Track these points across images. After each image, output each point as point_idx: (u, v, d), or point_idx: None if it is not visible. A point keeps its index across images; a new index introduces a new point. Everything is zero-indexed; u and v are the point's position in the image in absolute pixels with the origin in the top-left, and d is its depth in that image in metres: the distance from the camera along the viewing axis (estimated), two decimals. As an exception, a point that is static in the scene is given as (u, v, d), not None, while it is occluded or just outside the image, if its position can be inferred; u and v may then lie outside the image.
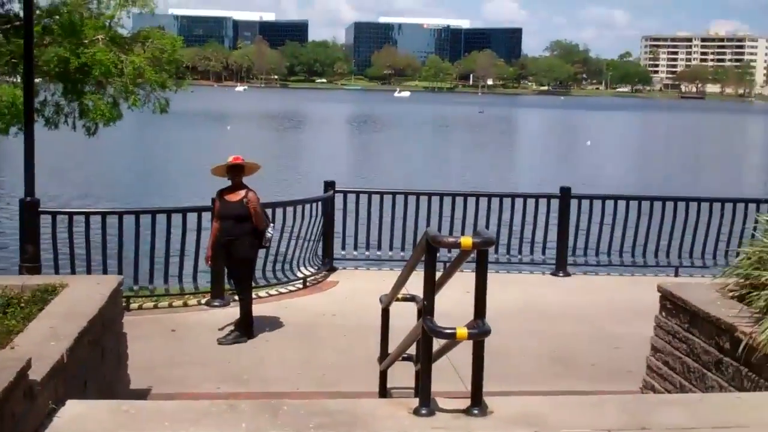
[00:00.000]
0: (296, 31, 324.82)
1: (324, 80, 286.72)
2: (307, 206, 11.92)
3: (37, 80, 13.68)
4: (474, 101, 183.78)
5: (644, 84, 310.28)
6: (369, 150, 58.80)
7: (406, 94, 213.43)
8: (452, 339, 4.75)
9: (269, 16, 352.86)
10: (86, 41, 14.39)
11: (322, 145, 61.83)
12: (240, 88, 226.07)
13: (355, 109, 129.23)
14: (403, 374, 6.85)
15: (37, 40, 12.64)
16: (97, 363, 5.85)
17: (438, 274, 5.10)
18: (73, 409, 4.66)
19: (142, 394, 7.09)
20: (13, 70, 14.75)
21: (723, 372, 6.02)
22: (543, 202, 13.21)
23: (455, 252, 5.64)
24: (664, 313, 7.08)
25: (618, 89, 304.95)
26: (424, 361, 4.88)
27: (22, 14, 13.27)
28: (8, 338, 5.06)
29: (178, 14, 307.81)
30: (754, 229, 7.44)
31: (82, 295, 6.06)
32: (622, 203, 13.19)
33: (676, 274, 12.95)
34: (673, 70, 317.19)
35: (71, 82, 14.76)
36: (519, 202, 13.17)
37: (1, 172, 36.99)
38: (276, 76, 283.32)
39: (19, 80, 14.46)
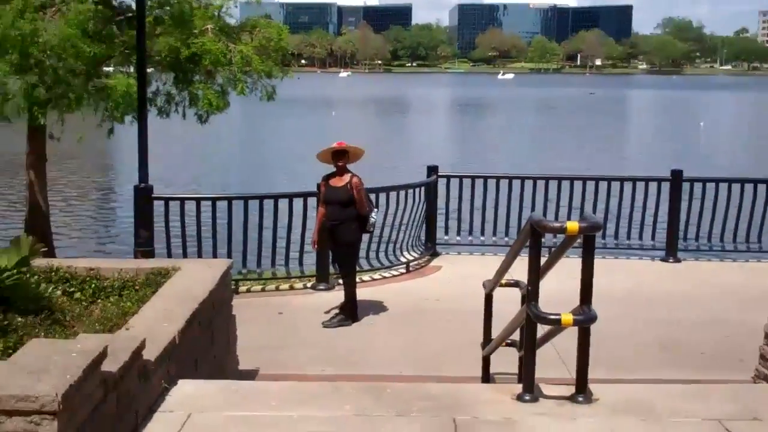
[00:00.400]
0: (400, 15, 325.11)
1: (426, 64, 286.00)
2: (411, 191, 11.97)
3: (149, 70, 14.12)
4: (581, 82, 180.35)
5: (762, 61, 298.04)
6: (473, 134, 58.41)
7: (510, 76, 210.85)
8: (557, 325, 4.73)
9: (373, 1, 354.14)
10: (196, 31, 14.73)
11: (425, 129, 61.77)
12: (343, 74, 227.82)
13: (457, 92, 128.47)
14: (506, 360, 6.83)
15: (148, 31, 13.03)
16: (208, 344, 6.05)
17: (543, 260, 5.07)
18: (184, 388, 4.84)
19: (250, 375, 7.28)
20: (126, 60, 15.24)
21: (843, 362, 5.79)
22: (653, 185, 12.90)
23: (561, 237, 5.59)
24: (779, 301, 6.84)
25: (734, 67, 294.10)
26: (528, 347, 4.87)
27: (134, 6, 13.73)
28: (124, 319, 5.28)
29: (284, 2, 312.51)
30: None
31: (193, 278, 6.25)
32: (736, 186, 12.77)
33: (793, 260, 12.47)
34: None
35: (182, 71, 15.15)
36: (628, 185, 12.88)
37: (116, 159, 38.41)
38: (380, 61, 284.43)
39: (132, 70, 14.95)
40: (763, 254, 12.83)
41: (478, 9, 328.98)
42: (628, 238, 13.07)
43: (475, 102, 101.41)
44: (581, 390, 4.64)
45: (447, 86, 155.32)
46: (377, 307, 9.93)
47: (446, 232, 13.11)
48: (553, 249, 6.46)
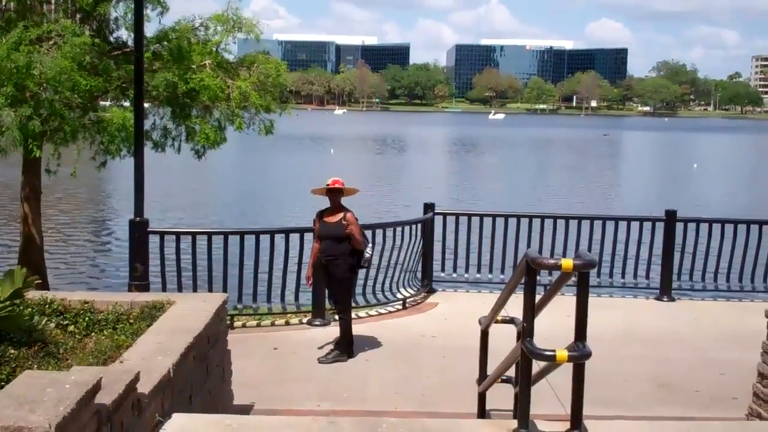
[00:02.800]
0: (398, 54, 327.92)
1: (424, 103, 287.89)
2: (407, 228, 11.99)
3: (146, 105, 14.19)
4: (576, 123, 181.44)
5: (755, 105, 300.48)
6: (467, 173, 58.62)
7: (501, 116, 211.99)
8: (552, 361, 4.70)
9: (371, 40, 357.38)
10: (194, 66, 14.81)
11: (420, 167, 62.02)
12: (338, 111, 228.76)
13: (451, 132, 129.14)
14: (502, 396, 6.80)
15: (146, 66, 13.10)
16: (203, 378, 6.01)
17: (538, 297, 5.06)
18: (178, 421, 4.79)
19: (245, 410, 7.23)
20: (122, 94, 15.29)
21: (838, 402, 5.76)
22: (648, 225, 12.95)
23: (556, 275, 5.59)
24: (773, 340, 6.82)
25: (727, 110, 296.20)
26: (523, 382, 4.85)
27: (130, 42, 13.81)
28: (118, 353, 5.25)
29: (282, 39, 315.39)
30: None
31: (188, 312, 6.23)
32: (729, 227, 12.82)
33: (787, 301, 12.47)
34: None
35: (179, 106, 15.20)
36: (623, 225, 12.92)
37: (112, 193, 38.44)
38: (377, 100, 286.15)
39: (128, 104, 15.00)
40: (755, 294, 12.85)
41: (475, 50, 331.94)
42: (623, 276, 13.06)
43: (469, 141, 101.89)
44: (576, 426, 4.61)
45: (440, 125, 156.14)
46: (373, 343, 9.89)
47: (443, 269, 13.11)
48: (548, 287, 6.46)
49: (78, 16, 15.42)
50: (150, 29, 15.18)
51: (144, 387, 4.51)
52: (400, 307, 11.81)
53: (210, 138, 15.04)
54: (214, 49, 15.65)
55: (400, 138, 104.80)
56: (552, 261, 4.75)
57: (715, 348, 10.00)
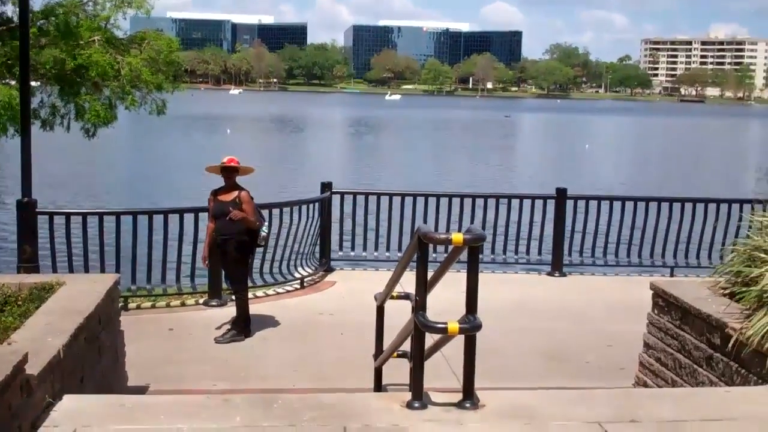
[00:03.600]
0: (295, 34, 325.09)
1: (322, 84, 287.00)
2: (305, 207, 11.99)
3: (33, 83, 13.73)
4: (471, 104, 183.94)
5: (644, 87, 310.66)
6: (364, 153, 58.85)
7: (397, 97, 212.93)
8: (444, 333, 4.81)
9: (268, 20, 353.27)
10: (82, 42, 14.42)
11: (317, 147, 61.96)
12: (234, 91, 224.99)
13: (348, 112, 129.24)
14: (399, 372, 6.90)
15: (33, 42, 12.68)
16: (94, 360, 5.91)
17: (431, 274, 5.16)
18: (69, 403, 4.72)
19: (140, 391, 7.14)
20: (8, 72, 14.77)
21: (714, 368, 6.09)
22: (539, 203, 13.29)
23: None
24: (656, 311, 7.15)
25: (617, 92, 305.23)
26: (416, 355, 4.95)
27: (16, 17, 13.33)
28: (5, 335, 5.12)
29: (177, 17, 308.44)
30: (748, 228, 7.51)
31: (78, 293, 6.11)
32: (617, 204, 13.29)
33: (671, 275, 13.02)
34: (673, 73, 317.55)
35: (67, 83, 14.80)
36: (515, 202, 13.23)
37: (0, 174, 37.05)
38: (275, 80, 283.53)
39: (14, 83, 14.49)
40: (642, 268, 13.36)
41: (372, 31, 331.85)
42: (516, 253, 13.39)
43: (366, 122, 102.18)
44: (468, 396, 4.74)
45: (338, 106, 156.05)
46: (271, 322, 9.88)
47: (341, 248, 13.17)
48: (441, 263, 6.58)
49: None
50: (36, 4, 14.69)
51: (33, 368, 4.42)
52: (298, 287, 11.82)
53: (100, 115, 14.69)
54: (103, 24, 15.28)
55: (297, 118, 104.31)
56: (443, 236, 4.86)
57: (604, 320, 10.37)
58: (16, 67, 13.12)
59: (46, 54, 13.86)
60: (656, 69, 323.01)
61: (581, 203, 13.25)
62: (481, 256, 5.18)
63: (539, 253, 13.43)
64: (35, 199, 10.08)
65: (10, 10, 15.01)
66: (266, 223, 9.64)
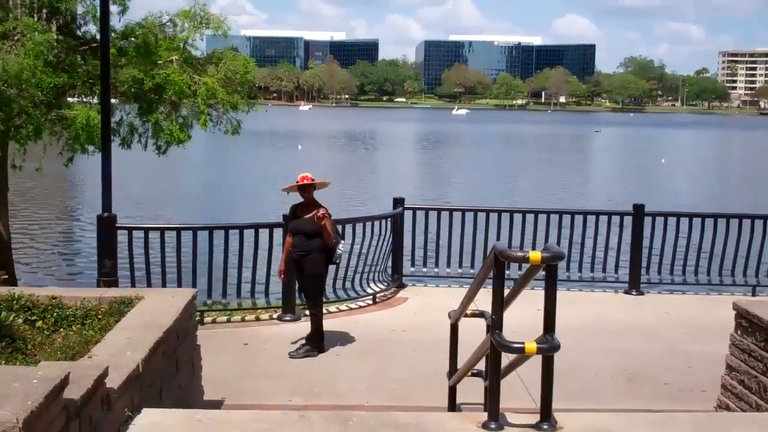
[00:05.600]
0: (367, 50, 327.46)
1: (393, 99, 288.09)
2: (377, 223, 12.01)
3: (112, 101, 14.04)
4: (541, 119, 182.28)
5: (721, 100, 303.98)
6: (438, 168, 58.77)
7: (463, 112, 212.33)
8: (521, 353, 4.74)
9: (340, 36, 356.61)
10: (160, 62, 14.70)
11: (388, 162, 62.12)
12: (304, 107, 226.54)
13: (413, 128, 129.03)
14: (473, 390, 6.84)
15: (112, 61, 12.97)
16: (172, 373, 5.99)
17: (507, 291, 5.09)
18: (148, 417, 4.77)
19: (216, 405, 7.22)
20: (89, 90, 15.14)
21: (802, 392, 5.87)
22: (616, 219, 13.06)
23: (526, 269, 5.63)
24: (739, 332, 6.94)
25: (694, 106, 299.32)
26: (493, 375, 4.88)
27: (98, 36, 13.68)
28: (86, 348, 5.23)
29: (250, 35, 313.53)
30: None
31: (157, 307, 6.21)
32: (697, 221, 12.99)
33: (754, 294, 12.68)
34: (752, 86, 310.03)
35: (146, 102, 15.08)
36: (591, 219, 13.03)
37: (81, 188, 38.08)
38: (347, 96, 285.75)
39: (95, 101, 14.84)
40: (723, 287, 13.03)
41: (443, 46, 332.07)
42: (592, 271, 13.17)
43: (435, 137, 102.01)
44: (546, 418, 4.65)
45: (405, 121, 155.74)
46: (344, 338, 9.90)
47: (413, 264, 13.14)
48: (517, 281, 6.50)
49: (44, 11, 15.25)
50: (117, 25, 15.05)
51: (113, 382, 4.49)
52: (371, 302, 11.83)
53: (175, 135, 14.93)
54: (180, 45, 15.54)
55: (364, 134, 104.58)
56: (520, 254, 4.78)
57: (684, 340, 10.12)
58: (97, 86, 13.47)
59: (125, 73, 14.15)
60: (734, 82, 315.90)
61: (659, 219, 12.98)
62: (557, 273, 5.08)
63: (616, 271, 13.17)
64: (115, 214, 10.31)
65: (93, 30, 15.39)
66: (343, 241, 9.70)
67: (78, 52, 14.83)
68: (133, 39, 14.81)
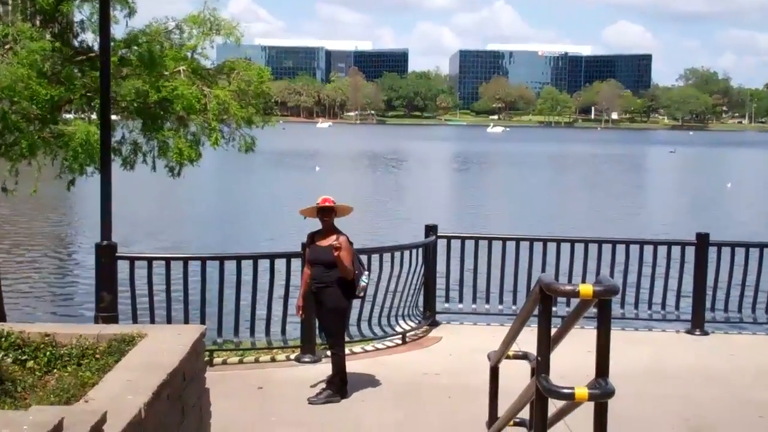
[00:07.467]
0: (395, 61, 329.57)
1: (425, 116, 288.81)
2: (407, 253, 11.98)
3: (113, 116, 14.16)
4: (591, 137, 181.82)
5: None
6: (472, 193, 58.76)
7: (498, 129, 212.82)
8: (570, 400, 4.70)
9: (365, 46, 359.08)
10: (167, 73, 14.80)
11: (422, 185, 62.23)
12: (323, 124, 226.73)
13: (444, 147, 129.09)
14: (514, 442, 6.78)
15: (114, 73, 13.10)
16: (178, 420, 5.98)
17: (554, 330, 5.06)
18: (151, 468, 4.78)
19: (225, 457, 7.20)
20: (87, 105, 15.27)
21: None
22: (676, 249, 12.94)
23: (575, 305, 5.59)
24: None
25: (764, 123, 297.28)
26: (538, 424, 4.84)
27: (97, 46, 13.84)
28: (82, 391, 5.23)
29: (266, 45, 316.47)
30: None
31: (161, 346, 6.21)
32: (768, 252, 12.85)
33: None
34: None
35: (150, 117, 15.15)
36: (648, 249, 12.92)
37: (77, 215, 38.43)
38: (373, 111, 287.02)
39: (94, 116, 14.97)
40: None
41: (481, 56, 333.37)
42: (650, 307, 13.05)
43: (471, 157, 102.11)
44: (599, 474, 4.61)
45: (433, 140, 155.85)
46: (370, 382, 9.86)
47: (447, 300, 13.09)
48: (566, 318, 6.45)
49: (38, 18, 15.46)
50: (118, 33, 15.19)
51: (112, 429, 4.48)
52: (400, 342, 11.79)
53: (183, 153, 14.98)
54: (189, 54, 15.66)
55: (388, 153, 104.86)
56: (569, 287, 4.76)
57: (754, 387, 10.00)
58: (96, 100, 13.59)
59: (127, 85, 14.27)
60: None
61: (725, 250, 12.85)
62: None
63: (677, 307, 13.03)
64: (115, 242, 10.38)
65: (91, 38, 15.54)
66: (366, 272, 9.64)
67: (75, 63, 15.01)
68: (136, 47, 14.95)
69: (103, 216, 10.34)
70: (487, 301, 13.02)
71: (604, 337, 4.66)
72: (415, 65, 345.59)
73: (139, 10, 15.18)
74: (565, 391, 4.59)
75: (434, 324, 12.69)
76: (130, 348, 6.17)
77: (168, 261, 10.85)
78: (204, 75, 15.63)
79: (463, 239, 13.06)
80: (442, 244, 12.77)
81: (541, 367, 4.77)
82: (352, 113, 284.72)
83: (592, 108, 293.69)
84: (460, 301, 13.08)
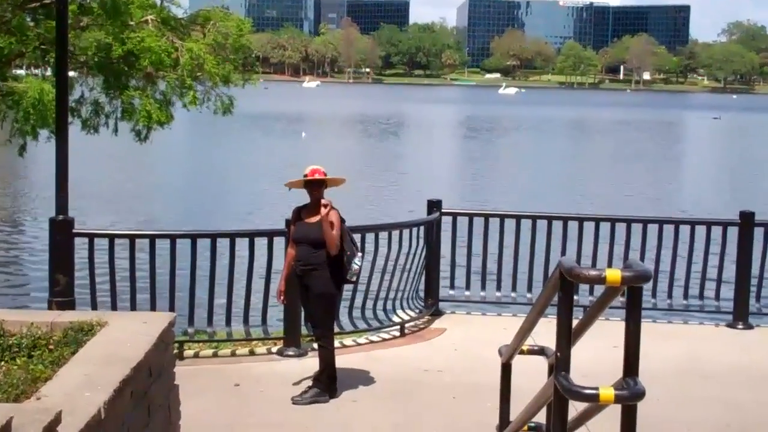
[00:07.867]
0: (394, 11, 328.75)
1: (428, 74, 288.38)
2: (406, 231, 11.98)
3: (71, 73, 14.11)
4: (618, 100, 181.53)
5: None
6: (486, 163, 58.80)
7: (512, 91, 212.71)
8: (594, 402, 4.70)
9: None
10: (132, 23, 14.75)
11: (424, 155, 62.22)
12: (311, 83, 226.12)
13: (449, 111, 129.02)
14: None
15: (72, 23, 13.04)
16: (143, 421, 5.99)
17: (575, 321, 5.06)
18: (111, 475, 4.79)
19: (197, 464, 7.23)
20: (42, 59, 15.21)
21: None
22: (717, 230, 12.94)
23: (598, 292, 5.60)
24: None
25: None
26: (557, 428, 4.85)
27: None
28: (34, 387, 5.23)
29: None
30: None
31: (124, 336, 6.21)
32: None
33: None
34: None
35: (114, 74, 15.11)
36: (685, 230, 12.92)
37: (30, 185, 38.38)
38: (368, 69, 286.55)
39: (49, 72, 14.93)
40: None
41: (493, 6, 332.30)
42: (686, 297, 13.08)
43: (483, 123, 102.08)
44: (625, 486, 4.62)
45: (444, 102, 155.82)
46: (362, 379, 9.90)
47: (452, 286, 13.10)
48: (588, 308, 6.45)
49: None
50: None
51: (67, 430, 4.49)
52: (398, 334, 11.81)
53: (152, 116, 14.95)
54: (158, 1, 15.62)
55: (387, 118, 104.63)
56: (594, 272, 4.75)
57: (803, 388, 10.03)
58: (51, 53, 13.54)
59: (87, 37, 14.25)
60: None
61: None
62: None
63: (717, 297, 13.06)
64: (72, 217, 10.36)
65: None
66: (360, 254, 9.62)
67: (28, 11, 14.96)
68: (97, -7, 14.90)
69: (58, 186, 10.30)
70: (498, 287, 13.05)
71: (634, 330, 4.65)
72: (417, 16, 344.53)
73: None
74: (588, 391, 4.58)
75: (437, 313, 12.72)
76: (89, 338, 6.17)
77: (132, 239, 10.85)
78: (175, 26, 15.60)
79: (470, 216, 13.06)
80: (446, 222, 12.79)
81: (560, 363, 4.77)
82: (344, 71, 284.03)
83: (621, 67, 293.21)
84: (467, 287, 13.09)
